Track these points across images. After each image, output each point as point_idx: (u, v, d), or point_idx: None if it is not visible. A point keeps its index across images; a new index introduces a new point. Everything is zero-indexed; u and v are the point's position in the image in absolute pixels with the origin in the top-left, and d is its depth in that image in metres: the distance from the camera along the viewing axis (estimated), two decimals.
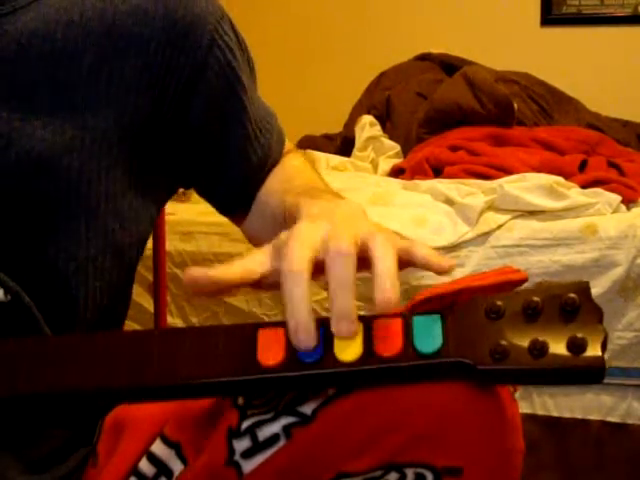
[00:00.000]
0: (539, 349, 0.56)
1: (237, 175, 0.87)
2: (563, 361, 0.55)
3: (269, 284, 0.62)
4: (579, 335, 0.56)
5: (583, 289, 0.58)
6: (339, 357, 0.57)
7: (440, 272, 0.59)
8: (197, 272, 0.60)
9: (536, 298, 0.58)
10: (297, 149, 0.98)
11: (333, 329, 0.57)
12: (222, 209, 0.92)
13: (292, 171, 0.90)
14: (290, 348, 0.58)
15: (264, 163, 0.88)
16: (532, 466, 1.87)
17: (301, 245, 0.59)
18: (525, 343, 0.56)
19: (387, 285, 0.57)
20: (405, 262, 0.60)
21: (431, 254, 0.60)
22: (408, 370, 0.57)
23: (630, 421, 1.90)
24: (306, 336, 0.56)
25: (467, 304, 0.59)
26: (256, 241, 0.92)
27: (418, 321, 0.58)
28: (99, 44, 0.75)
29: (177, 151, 0.82)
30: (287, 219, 0.71)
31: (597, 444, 1.91)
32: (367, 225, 0.62)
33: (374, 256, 0.58)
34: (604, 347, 0.56)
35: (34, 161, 0.72)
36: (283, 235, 0.62)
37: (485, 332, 0.57)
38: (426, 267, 0.60)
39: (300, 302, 0.57)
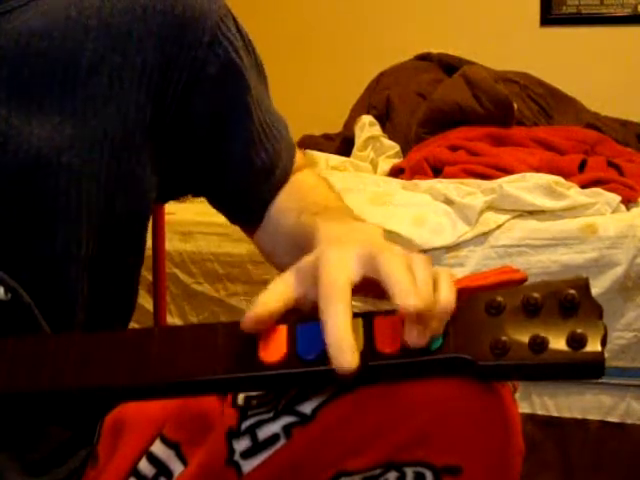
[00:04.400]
0: (539, 344, 0.56)
1: (240, 180, 0.85)
2: (563, 356, 0.56)
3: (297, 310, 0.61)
4: (579, 330, 0.56)
5: (582, 285, 0.59)
6: None
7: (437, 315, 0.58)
8: (254, 314, 0.59)
9: (536, 294, 0.58)
10: (311, 166, 0.96)
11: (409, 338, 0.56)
12: (230, 217, 0.91)
13: (306, 189, 0.88)
14: (291, 345, 0.58)
15: (270, 170, 0.86)
16: (532, 466, 1.86)
17: (337, 267, 0.58)
18: (525, 338, 0.56)
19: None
20: None
21: (449, 289, 0.58)
22: (409, 366, 0.57)
23: (629, 421, 1.90)
24: (352, 356, 0.55)
25: (467, 300, 0.59)
26: (268, 254, 0.90)
27: None
28: (97, 42, 0.75)
29: (180, 151, 0.82)
30: (303, 240, 0.70)
31: (596, 444, 1.91)
32: (394, 246, 0.61)
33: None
34: (604, 343, 0.56)
35: (33, 159, 0.72)
36: (309, 259, 0.61)
37: (485, 328, 0.58)
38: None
39: (344, 321, 0.56)
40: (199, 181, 0.86)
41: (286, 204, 0.86)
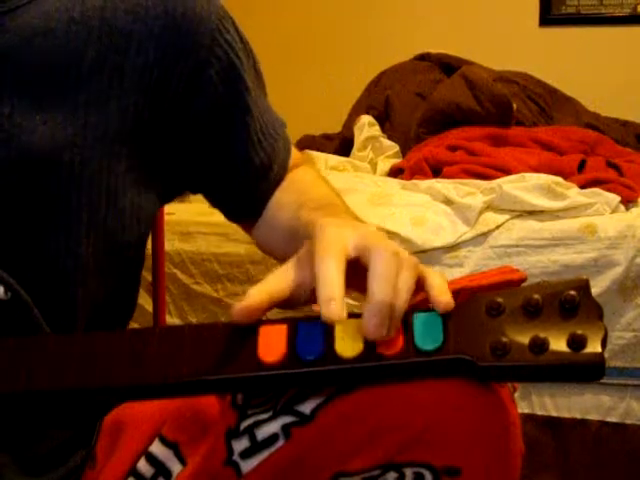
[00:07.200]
0: (539, 345, 0.56)
1: (239, 178, 0.87)
2: (563, 357, 0.56)
3: (296, 300, 0.62)
4: (579, 332, 0.56)
5: (583, 286, 0.59)
6: (340, 354, 0.57)
7: (438, 308, 0.59)
8: (245, 304, 0.60)
9: (536, 295, 0.58)
10: (311, 163, 0.98)
11: (366, 326, 0.57)
12: (228, 214, 0.92)
13: (304, 185, 0.90)
14: (291, 345, 0.58)
15: (268, 168, 0.88)
16: (531, 466, 1.86)
17: (334, 237, 0.60)
18: (525, 340, 0.56)
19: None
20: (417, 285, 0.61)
21: (440, 288, 0.60)
22: (409, 367, 0.57)
23: (629, 421, 1.90)
24: (339, 306, 0.57)
25: (467, 301, 0.59)
26: (267, 249, 0.93)
27: (419, 319, 0.59)
28: (99, 42, 0.75)
29: (180, 151, 0.82)
30: (302, 235, 0.71)
31: (596, 444, 1.91)
32: (390, 243, 0.62)
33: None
34: (604, 344, 0.56)
35: (35, 157, 0.72)
36: (307, 246, 0.63)
37: (485, 329, 0.58)
38: (430, 298, 0.60)
39: (334, 275, 0.57)
40: (198, 179, 0.87)
41: (284, 199, 0.88)
